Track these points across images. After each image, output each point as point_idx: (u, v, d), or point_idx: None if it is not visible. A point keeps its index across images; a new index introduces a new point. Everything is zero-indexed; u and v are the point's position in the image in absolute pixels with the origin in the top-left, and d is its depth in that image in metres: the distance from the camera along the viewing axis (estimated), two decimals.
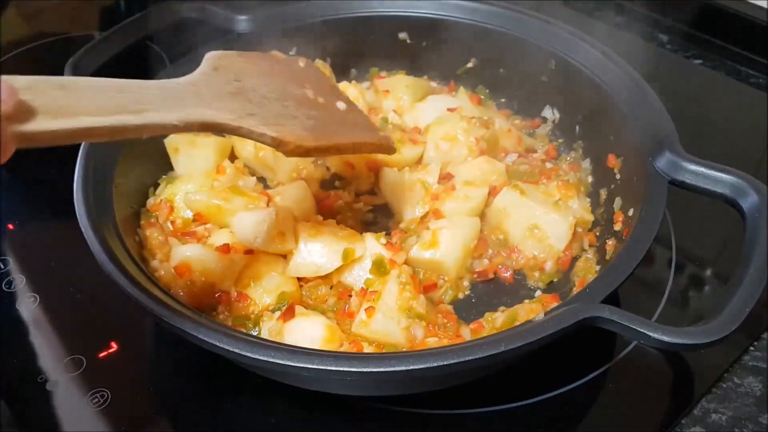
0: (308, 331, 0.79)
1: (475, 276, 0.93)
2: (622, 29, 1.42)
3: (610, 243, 0.91)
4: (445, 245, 0.91)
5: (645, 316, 0.86)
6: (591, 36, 1.04)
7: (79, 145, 0.88)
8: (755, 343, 0.87)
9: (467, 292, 0.92)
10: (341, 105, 0.85)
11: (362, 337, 0.82)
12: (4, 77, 0.57)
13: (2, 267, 0.95)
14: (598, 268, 0.90)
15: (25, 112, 0.56)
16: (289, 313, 0.81)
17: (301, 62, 0.89)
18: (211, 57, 0.77)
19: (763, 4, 1.30)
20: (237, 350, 0.66)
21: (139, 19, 1.06)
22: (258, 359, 0.66)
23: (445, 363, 0.66)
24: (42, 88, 0.59)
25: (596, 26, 1.41)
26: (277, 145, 0.73)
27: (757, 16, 1.30)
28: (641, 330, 0.68)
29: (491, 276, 0.94)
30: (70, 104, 0.60)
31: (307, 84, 0.83)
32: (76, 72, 0.95)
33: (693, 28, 1.38)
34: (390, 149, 0.87)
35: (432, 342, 0.82)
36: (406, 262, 0.90)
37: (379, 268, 0.86)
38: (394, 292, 0.83)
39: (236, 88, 0.75)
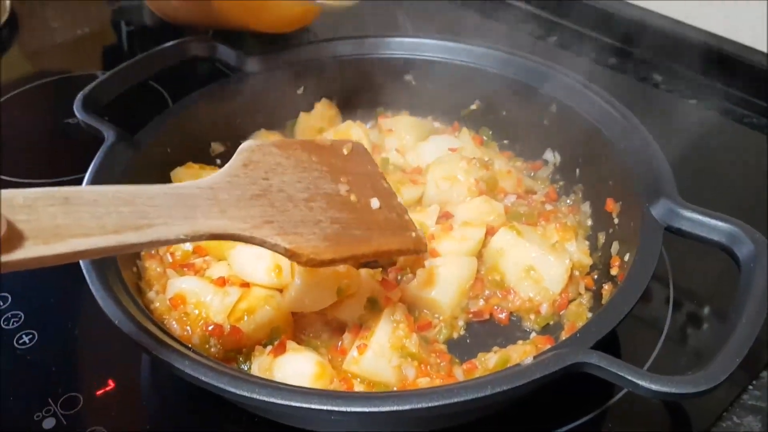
0: (298, 367, 0.79)
1: (471, 316, 0.93)
2: (618, 70, 1.44)
3: (607, 288, 0.91)
4: (441, 284, 0.91)
5: (644, 354, 0.89)
6: (587, 78, 1.05)
7: (82, 180, 0.90)
8: (754, 381, 0.86)
9: (462, 332, 0.92)
10: (375, 203, 0.81)
11: (353, 374, 0.82)
12: (2, 193, 0.54)
13: (1, 304, 0.96)
14: (589, 314, 0.90)
15: (13, 239, 0.53)
16: (280, 349, 0.81)
17: (346, 149, 0.85)
18: (245, 150, 0.74)
19: (763, 48, 1.30)
20: (217, 384, 0.67)
21: (151, 55, 1.09)
22: (241, 395, 0.66)
23: (429, 405, 0.66)
24: (41, 206, 0.56)
25: (592, 67, 1.43)
26: (291, 256, 0.70)
27: (755, 60, 1.31)
28: (630, 378, 0.67)
29: (486, 317, 0.94)
30: (67, 224, 0.56)
31: (343, 177, 0.80)
32: (86, 107, 0.98)
33: (689, 69, 1.39)
34: (419, 252, 0.84)
35: (423, 382, 0.82)
36: (401, 300, 0.90)
37: (374, 305, 0.86)
38: (387, 329, 0.83)
39: (262, 188, 0.72)
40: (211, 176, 0.71)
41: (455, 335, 0.91)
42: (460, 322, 0.92)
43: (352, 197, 0.80)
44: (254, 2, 0.97)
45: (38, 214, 0.55)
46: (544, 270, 0.92)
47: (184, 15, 1.15)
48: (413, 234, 0.84)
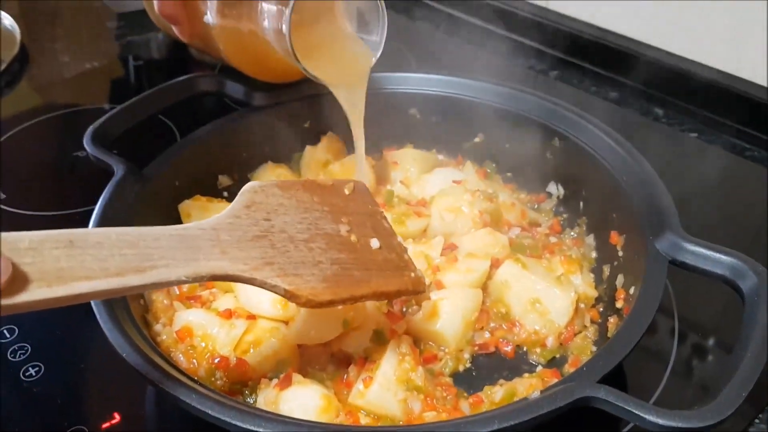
0: (304, 401, 0.79)
1: (476, 348, 0.93)
2: (618, 103, 1.46)
3: (612, 320, 0.91)
4: (446, 316, 0.91)
5: (650, 387, 0.89)
6: (589, 111, 1.07)
7: (92, 210, 0.91)
8: (760, 415, 0.86)
9: (467, 365, 0.92)
10: (375, 243, 0.83)
11: (359, 407, 0.82)
12: (6, 237, 0.55)
13: (8, 336, 0.96)
14: (594, 348, 0.90)
15: (18, 281, 0.54)
16: (286, 381, 0.81)
17: (347, 188, 0.86)
18: (248, 191, 0.76)
19: (763, 83, 1.32)
20: (224, 418, 0.67)
21: (160, 90, 1.11)
22: (248, 429, 0.66)
23: None
24: (46, 249, 0.57)
25: (593, 101, 1.45)
26: (290, 297, 0.72)
27: (756, 94, 1.33)
28: (637, 412, 0.67)
29: (492, 349, 0.94)
30: (71, 267, 0.57)
31: (344, 217, 0.82)
32: (95, 141, 0.99)
33: (690, 103, 1.40)
34: (418, 292, 0.85)
35: (429, 416, 0.82)
36: (406, 332, 0.90)
37: (379, 337, 0.87)
38: (393, 362, 0.83)
39: (263, 229, 0.73)
40: (214, 217, 0.72)
41: (461, 368, 0.91)
42: (466, 355, 0.92)
43: (353, 237, 0.81)
44: (257, 57, 1.00)
45: (43, 256, 0.56)
46: (549, 303, 0.93)
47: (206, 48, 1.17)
48: (412, 274, 0.85)
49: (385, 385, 0.81)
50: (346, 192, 0.86)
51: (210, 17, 0.97)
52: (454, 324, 0.91)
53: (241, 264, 0.69)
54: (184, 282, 0.66)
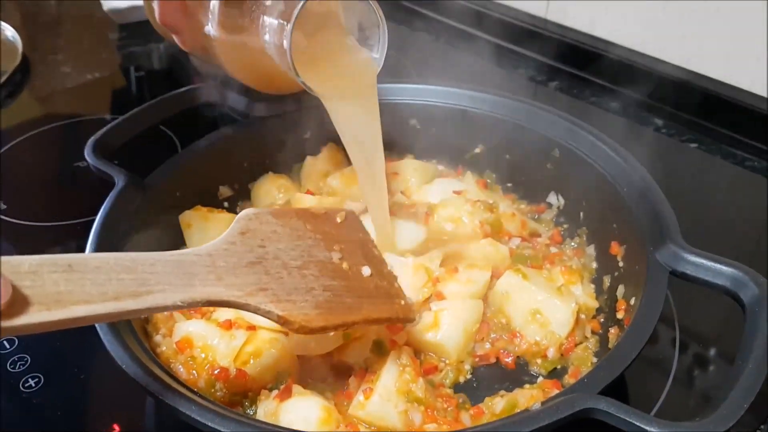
0: (305, 412, 0.79)
1: (477, 360, 0.93)
2: (618, 113, 1.46)
3: (613, 331, 0.91)
4: (447, 327, 0.91)
5: (652, 397, 0.89)
6: (588, 121, 1.07)
7: (92, 221, 0.91)
8: (762, 426, 0.86)
9: (468, 376, 0.92)
10: (366, 271, 0.84)
11: (359, 419, 0.82)
12: (7, 261, 0.56)
13: (8, 347, 0.96)
14: (594, 359, 0.90)
15: (18, 304, 0.55)
16: (286, 393, 0.80)
17: (339, 217, 0.88)
18: (242, 218, 0.77)
19: (762, 93, 1.33)
20: (224, 430, 0.67)
21: (161, 101, 1.11)
22: None
23: None
24: (45, 272, 0.58)
25: (593, 111, 1.45)
26: (283, 323, 0.73)
27: (755, 104, 1.33)
28: (637, 423, 0.67)
29: (493, 360, 0.93)
30: (69, 291, 0.59)
31: (336, 245, 0.84)
32: (96, 152, 0.99)
33: (690, 113, 1.41)
34: (408, 320, 0.87)
35: (430, 428, 0.81)
36: (407, 343, 0.90)
37: (379, 348, 0.86)
38: (394, 373, 0.83)
39: (258, 255, 0.75)
40: (210, 243, 0.74)
41: (461, 379, 0.91)
42: (467, 366, 0.92)
43: (345, 265, 0.83)
44: (258, 69, 1.01)
45: (42, 280, 0.58)
46: (550, 313, 0.93)
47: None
48: (402, 302, 0.86)
49: (386, 397, 0.81)
50: (338, 220, 0.88)
51: (211, 29, 0.98)
52: (455, 335, 0.91)
53: (235, 290, 0.71)
54: (180, 307, 0.67)
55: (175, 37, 1.03)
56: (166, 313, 0.92)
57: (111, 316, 0.62)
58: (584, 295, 0.97)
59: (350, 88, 1.00)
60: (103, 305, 0.60)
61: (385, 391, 0.81)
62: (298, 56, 0.90)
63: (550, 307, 0.93)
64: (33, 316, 0.56)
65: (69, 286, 0.59)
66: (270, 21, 0.91)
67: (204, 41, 1.00)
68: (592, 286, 1.00)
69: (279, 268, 0.75)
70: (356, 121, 1.01)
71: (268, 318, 0.73)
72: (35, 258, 0.58)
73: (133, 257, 0.66)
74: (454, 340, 0.91)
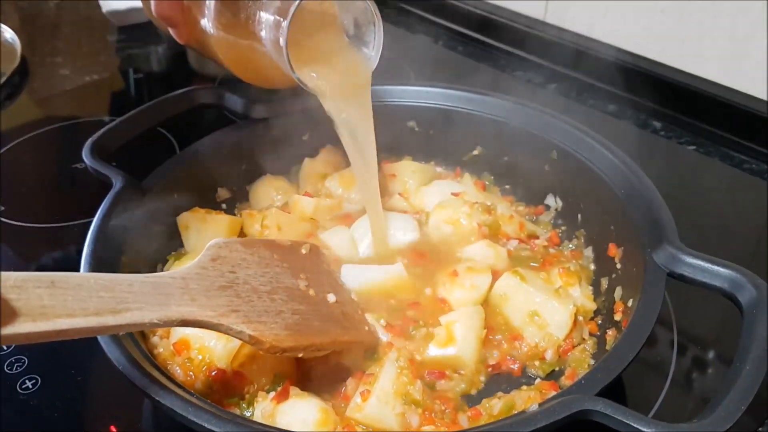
0: (302, 414, 0.79)
1: (490, 370, 0.92)
2: (616, 116, 1.46)
3: (611, 333, 0.91)
4: (462, 340, 0.90)
5: (649, 399, 0.88)
6: (586, 124, 1.07)
7: (89, 224, 0.91)
8: (760, 429, 0.86)
9: (481, 387, 0.90)
10: (331, 298, 0.89)
11: (356, 421, 0.81)
12: None
13: (5, 349, 0.96)
14: (592, 362, 0.90)
15: (6, 315, 0.58)
16: (283, 394, 0.80)
17: (304, 249, 0.93)
18: (213, 246, 0.81)
19: (761, 95, 1.33)
20: (220, 431, 0.66)
21: (159, 103, 1.11)
22: None
23: None
24: (30, 287, 0.61)
25: (590, 114, 1.46)
26: (254, 343, 0.76)
27: (754, 106, 1.33)
28: (635, 425, 0.66)
29: (504, 369, 0.92)
30: (53, 305, 0.62)
31: (302, 274, 0.88)
32: (94, 153, 0.99)
33: (688, 115, 1.41)
34: (372, 345, 0.89)
35: (428, 430, 0.81)
36: (422, 362, 0.89)
37: (370, 352, 0.86)
38: (391, 375, 0.83)
39: (228, 280, 0.78)
40: (184, 267, 0.77)
41: (473, 391, 0.89)
42: (482, 377, 0.90)
43: (311, 292, 0.87)
44: (254, 64, 1.01)
45: (28, 294, 0.61)
46: (548, 315, 0.93)
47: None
48: (366, 327, 0.90)
49: (383, 399, 0.81)
50: (303, 252, 0.92)
51: (207, 23, 0.98)
52: (471, 345, 0.90)
53: (209, 311, 0.74)
54: (157, 325, 0.70)
55: (171, 30, 1.04)
56: None
57: (92, 330, 0.65)
58: (582, 296, 0.96)
59: (345, 85, 1.00)
60: (84, 319, 0.63)
61: (383, 394, 0.81)
62: (294, 53, 0.90)
63: (548, 309, 0.93)
64: (19, 327, 0.59)
65: (52, 300, 0.62)
66: (266, 17, 0.91)
67: (200, 35, 1.00)
68: (590, 288, 1.00)
69: (249, 292, 0.79)
70: (353, 118, 1.01)
71: (240, 338, 0.76)
72: (20, 274, 0.61)
73: (111, 277, 0.69)
74: (470, 351, 0.89)
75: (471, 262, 1.01)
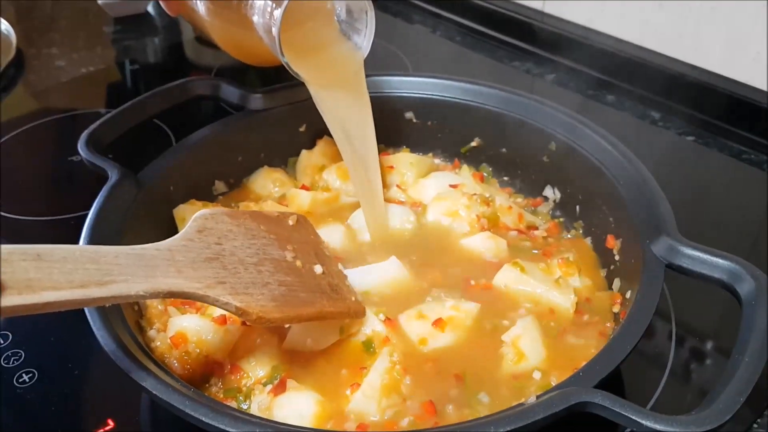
0: (299, 407, 0.78)
1: None
2: (615, 107, 1.46)
3: (609, 325, 0.90)
4: (530, 350, 0.87)
5: (648, 391, 0.88)
6: (585, 115, 1.07)
7: (86, 217, 0.91)
8: (758, 420, 0.86)
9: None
10: (318, 269, 0.88)
11: (345, 413, 0.81)
12: None
13: (2, 342, 0.96)
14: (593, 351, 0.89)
15: None
16: (280, 387, 0.80)
17: (291, 220, 0.92)
18: (199, 217, 0.80)
19: (761, 86, 1.32)
20: (218, 425, 0.66)
21: (155, 95, 1.10)
22: None
23: None
24: (15, 260, 0.61)
25: (589, 104, 1.45)
26: (241, 314, 0.76)
27: (754, 97, 1.33)
28: (633, 417, 0.66)
29: None
30: (39, 278, 0.62)
31: (289, 245, 0.87)
32: (89, 146, 0.99)
33: (687, 106, 1.40)
34: (358, 316, 0.90)
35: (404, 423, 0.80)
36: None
37: (368, 347, 0.86)
38: (381, 371, 0.82)
39: (215, 252, 0.78)
40: (170, 239, 0.76)
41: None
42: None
43: (298, 263, 0.86)
44: (244, 43, 1.01)
45: (13, 267, 0.61)
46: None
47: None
48: (353, 298, 0.90)
49: (369, 394, 0.80)
50: (290, 223, 0.92)
51: (198, 2, 0.97)
52: (539, 352, 0.87)
53: (195, 282, 0.73)
54: (143, 297, 0.70)
55: (161, 2, 1.03)
56: (160, 308, 0.92)
57: (78, 303, 0.65)
58: (582, 287, 0.96)
59: (336, 75, 0.99)
60: (70, 292, 0.64)
61: (370, 388, 0.81)
62: (284, 37, 0.89)
63: (550, 300, 0.93)
64: (6, 300, 0.59)
65: (38, 273, 0.62)
66: (259, 3, 0.91)
67: (190, 10, 1.00)
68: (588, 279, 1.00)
69: (236, 264, 0.79)
70: (343, 109, 1.01)
71: (227, 309, 0.76)
72: (6, 247, 0.61)
73: (97, 249, 0.69)
74: (541, 358, 0.87)
75: (472, 254, 1.00)
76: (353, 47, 0.99)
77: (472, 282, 0.97)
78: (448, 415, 0.81)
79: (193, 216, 0.80)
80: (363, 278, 0.96)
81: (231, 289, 0.76)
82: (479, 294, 0.96)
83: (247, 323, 0.77)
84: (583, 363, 0.76)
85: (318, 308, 0.84)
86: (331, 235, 1.04)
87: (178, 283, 0.72)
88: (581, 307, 0.93)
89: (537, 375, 0.84)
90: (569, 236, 1.07)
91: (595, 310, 0.93)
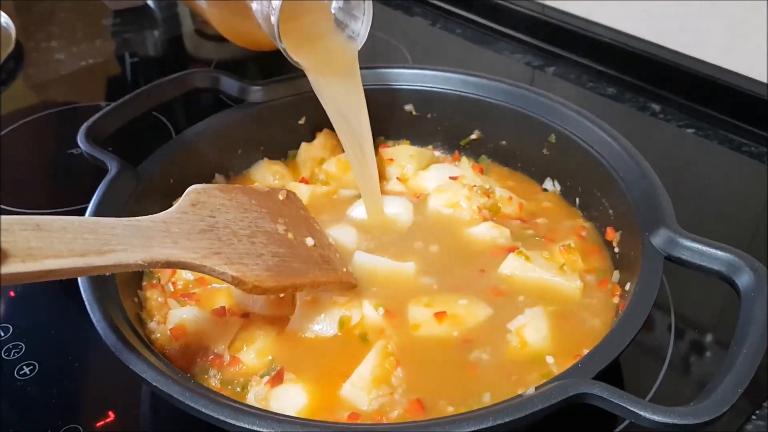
0: (295, 399, 0.79)
1: None
2: (615, 99, 1.45)
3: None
4: (534, 336, 0.87)
5: (647, 383, 0.89)
6: (585, 107, 1.07)
7: (85, 210, 0.91)
8: (757, 411, 0.86)
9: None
10: (310, 241, 0.90)
11: (339, 404, 0.81)
12: None
13: (2, 335, 0.96)
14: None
15: None
16: (277, 379, 0.81)
17: (281, 195, 0.94)
18: (191, 191, 0.82)
19: (761, 77, 1.32)
20: (218, 416, 0.67)
21: (154, 87, 1.10)
22: (241, 427, 0.66)
23: None
24: (17, 230, 0.62)
25: (589, 97, 1.45)
26: (237, 283, 0.77)
27: (753, 89, 1.33)
28: (631, 408, 0.66)
29: None
30: (40, 247, 0.64)
31: (281, 219, 0.89)
32: (89, 138, 0.99)
33: (687, 98, 1.40)
34: (350, 287, 0.91)
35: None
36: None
37: (364, 338, 0.86)
38: (373, 362, 0.82)
39: (209, 224, 0.80)
40: (163, 213, 0.78)
41: None
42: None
43: (290, 235, 0.88)
44: (241, 27, 1.00)
45: (15, 236, 0.62)
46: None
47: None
48: (345, 269, 0.92)
49: (359, 384, 0.80)
50: (280, 198, 0.93)
51: None
52: (544, 336, 0.87)
53: (191, 252, 0.75)
54: (141, 266, 0.71)
55: None
56: (160, 300, 0.92)
57: (80, 271, 0.67)
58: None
59: (332, 62, 0.99)
60: (71, 260, 0.65)
61: (359, 379, 0.81)
62: (283, 29, 0.89)
63: (556, 286, 0.93)
64: (10, 267, 0.61)
65: (39, 242, 0.63)
66: None
67: None
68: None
69: (229, 236, 0.80)
70: (340, 96, 1.01)
71: (222, 279, 0.77)
72: (6, 217, 0.62)
73: (95, 221, 0.71)
74: (547, 341, 0.87)
75: (476, 245, 1.01)
76: (349, 36, 1.00)
77: (482, 272, 0.97)
78: (440, 408, 0.80)
79: (185, 191, 0.82)
80: (373, 261, 0.97)
81: (226, 259, 0.77)
82: (487, 288, 0.95)
83: (244, 292, 0.79)
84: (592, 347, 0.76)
85: (311, 278, 0.85)
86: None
87: (174, 253, 0.73)
88: (588, 293, 0.93)
89: (550, 360, 0.85)
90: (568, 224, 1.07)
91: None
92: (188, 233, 0.76)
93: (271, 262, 0.82)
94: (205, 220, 0.79)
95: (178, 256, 0.73)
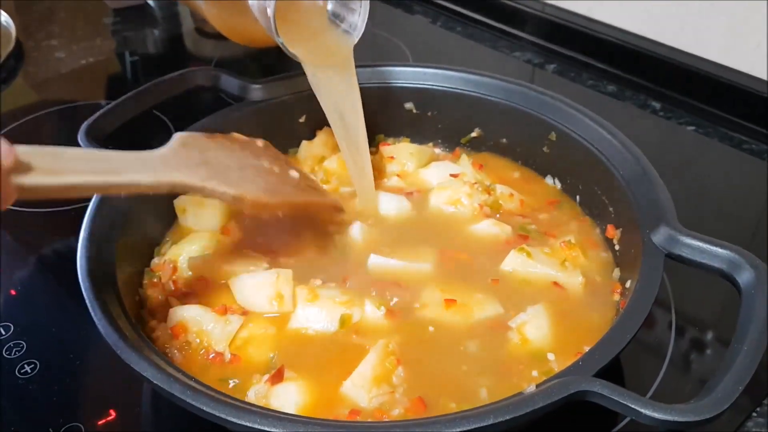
0: (295, 397, 0.79)
1: None
2: (615, 96, 1.45)
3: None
4: (536, 332, 0.88)
5: (647, 380, 0.89)
6: (585, 105, 1.07)
7: (86, 208, 0.91)
8: (758, 409, 0.86)
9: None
10: (294, 173, 0.97)
11: (339, 402, 0.81)
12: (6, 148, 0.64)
13: (3, 333, 0.96)
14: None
15: (23, 168, 0.66)
16: (278, 377, 0.81)
17: (260, 143, 0.99)
18: (179, 136, 0.87)
19: (761, 75, 1.32)
20: (219, 414, 0.67)
21: (154, 85, 1.10)
22: (242, 425, 0.66)
23: None
24: (36, 155, 0.68)
25: (589, 94, 1.45)
26: (237, 201, 0.85)
27: (754, 86, 1.33)
28: (632, 406, 0.67)
29: None
30: (60, 167, 0.70)
31: (263, 157, 0.96)
32: (89, 136, 0.99)
33: (687, 96, 1.40)
34: (340, 209, 1.02)
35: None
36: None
37: (364, 336, 0.86)
38: (373, 361, 0.82)
39: (201, 159, 0.86)
40: (157, 149, 0.83)
41: None
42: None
43: (275, 168, 0.95)
44: (237, 23, 1.00)
45: (36, 159, 0.67)
46: None
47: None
48: (331, 196, 1.03)
49: (359, 383, 0.80)
50: (260, 145, 0.99)
51: None
52: (546, 333, 0.87)
53: (193, 176, 0.81)
54: (151, 188, 0.78)
55: None
56: (161, 298, 0.92)
57: (98, 188, 0.77)
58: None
59: (330, 55, 0.99)
60: (90, 176, 0.72)
61: (360, 378, 0.81)
62: (279, 17, 0.89)
63: (558, 282, 0.93)
64: (37, 179, 0.66)
65: (58, 164, 0.70)
66: None
67: None
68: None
69: (222, 167, 0.86)
70: (337, 90, 1.02)
71: (223, 199, 0.84)
72: (23, 147, 0.66)
73: (103, 152, 0.79)
74: (548, 339, 0.87)
75: (478, 241, 1.01)
76: (346, 30, 1.01)
77: (484, 269, 0.97)
78: (442, 406, 0.80)
79: (173, 136, 0.86)
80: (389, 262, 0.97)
81: (225, 182, 0.83)
82: (489, 285, 0.95)
83: (245, 211, 0.87)
84: (593, 344, 0.76)
85: (303, 198, 0.94)
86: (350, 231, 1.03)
87: (178, 176, 0.80)
88: (589, 290, 0.94)
89: (551, 357, 0.85)
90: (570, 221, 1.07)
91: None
92: (185, 164, 0.82)
93: (265, 185, 0.89)
94: (196, 157, 0.85)
95: (182, 178, 0.80)
